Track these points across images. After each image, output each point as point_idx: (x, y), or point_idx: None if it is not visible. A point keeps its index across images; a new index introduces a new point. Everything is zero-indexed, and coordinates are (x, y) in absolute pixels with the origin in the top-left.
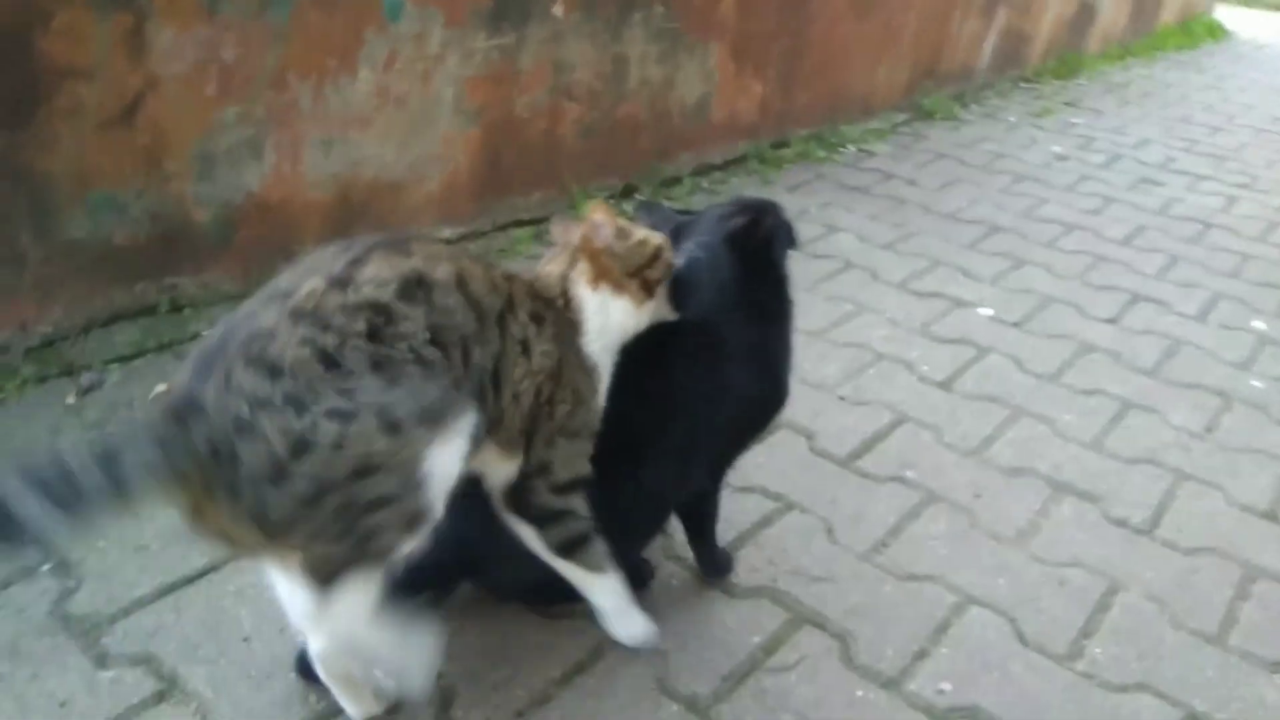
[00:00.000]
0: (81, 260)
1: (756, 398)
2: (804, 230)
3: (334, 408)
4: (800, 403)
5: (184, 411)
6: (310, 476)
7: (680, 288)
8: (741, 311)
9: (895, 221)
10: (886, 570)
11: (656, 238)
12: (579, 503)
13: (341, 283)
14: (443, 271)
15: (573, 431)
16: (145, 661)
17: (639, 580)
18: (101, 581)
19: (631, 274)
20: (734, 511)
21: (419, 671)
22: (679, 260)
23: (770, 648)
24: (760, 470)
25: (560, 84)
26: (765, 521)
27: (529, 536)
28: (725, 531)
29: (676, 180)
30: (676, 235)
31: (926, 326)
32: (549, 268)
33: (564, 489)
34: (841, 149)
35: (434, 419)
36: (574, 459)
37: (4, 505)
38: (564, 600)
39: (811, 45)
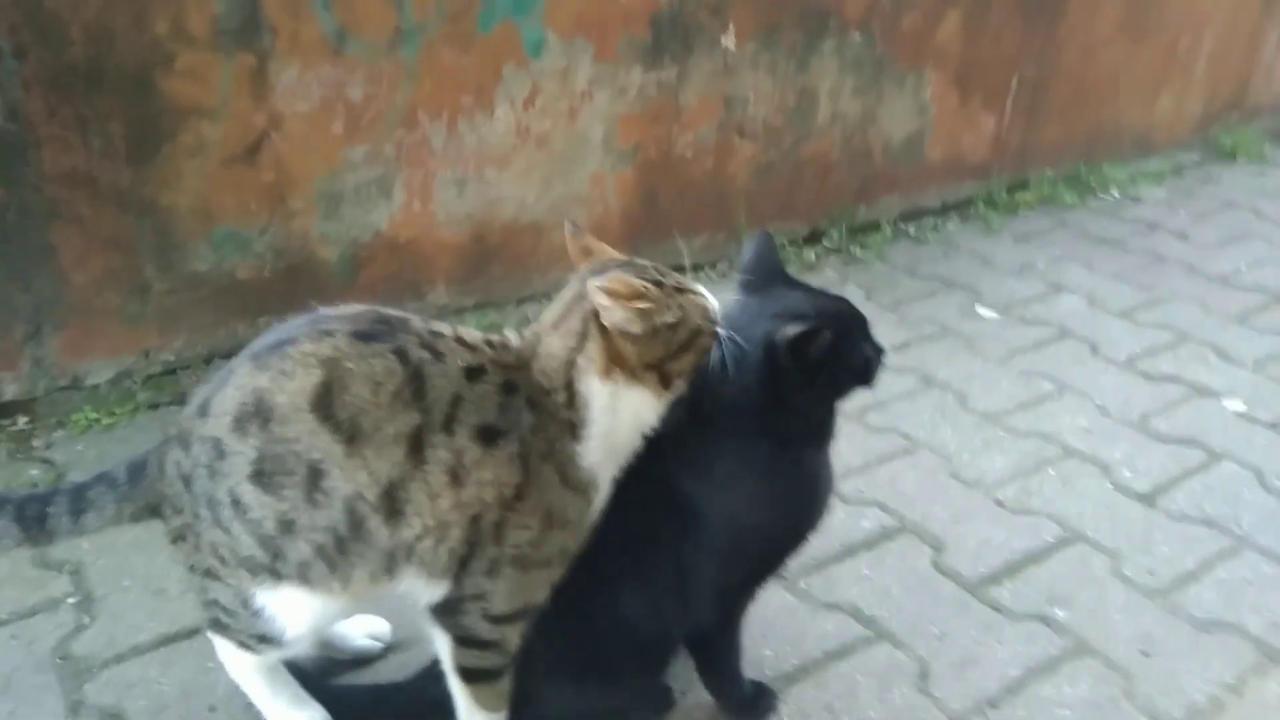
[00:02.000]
0: (204, 292)
1: (765, 530)
2: (1022, 289)
3: (189, 523)
4: (938, 503)
5: (163, 449)
6: (182, 554)
7: (702, 373)
8: (761, 435)
9: (1144, 283)
10: None
11: (696, 315)
12: (513, 635)
13: (203, 410)
14: (294, 388)
15: (535, 561)
16: (110, 717)
17: (650, 707)
18: (111, 622)
19: (653, 365)
20: (805, 630)
21: None
22: (723, 341)
23: None
24: (858, 582)
25: (731, 120)
26: (842, 652)
27: (439, 644)
28: (786, 656)
29: (874, 226)
30: (753, 289)
31: (1146, 419)
32: (551, 341)
33: (501, 620)
34: (1100, 194)
35: (249, 569)
36: (526, 589)
37: None
38: None
39: (1064, 72)
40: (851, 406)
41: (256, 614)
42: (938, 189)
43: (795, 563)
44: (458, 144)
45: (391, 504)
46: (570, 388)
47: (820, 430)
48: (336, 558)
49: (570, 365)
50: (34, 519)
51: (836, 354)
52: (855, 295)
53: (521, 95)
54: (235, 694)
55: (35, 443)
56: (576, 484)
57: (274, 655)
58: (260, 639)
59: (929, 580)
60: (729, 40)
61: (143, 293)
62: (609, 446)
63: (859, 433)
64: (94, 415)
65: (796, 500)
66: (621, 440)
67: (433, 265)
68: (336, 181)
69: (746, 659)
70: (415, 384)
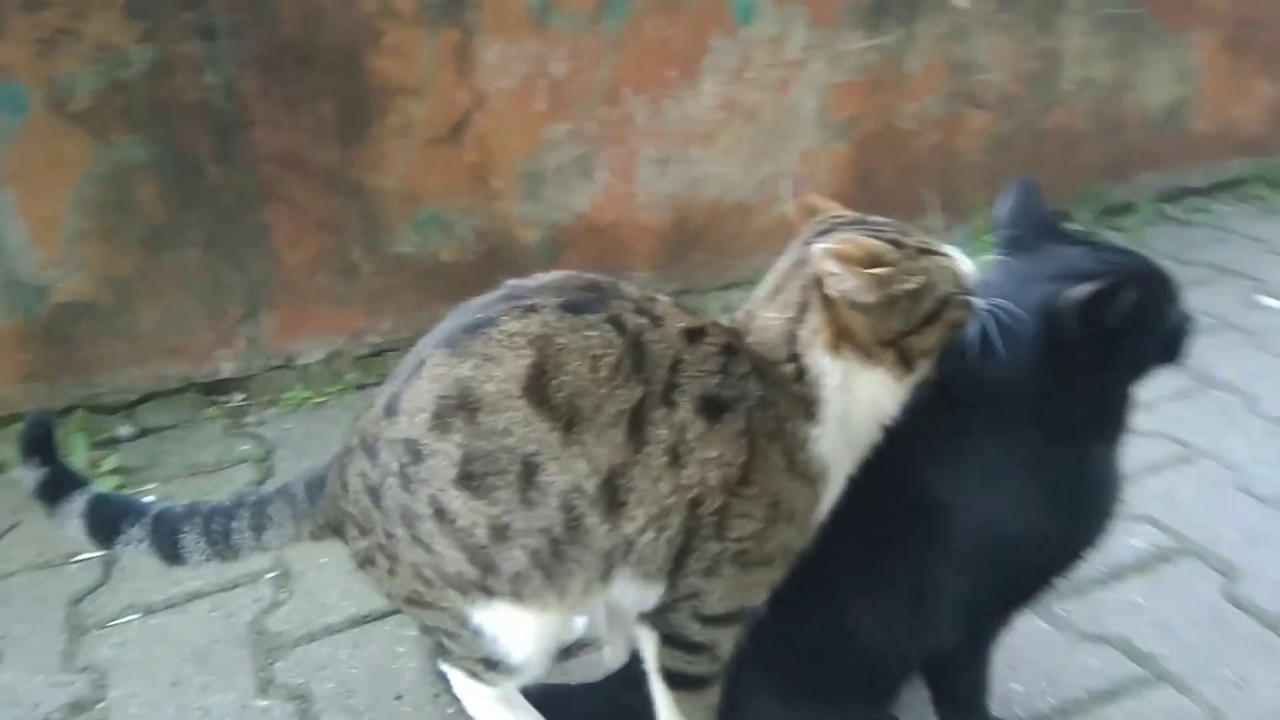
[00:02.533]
0: (409, 275)
1: (1032, 543)
2: None
3: (381, 543)
4: (1226, 522)
5: (343, 460)
6: (373, 581)
7: (955, 351)
8: (1034, 427)
9: None
10: None
11: (944, 282)
12: (725, 640)
13: (390, 409)
14: (501, 376)
15: (757, 559)
16: (299, 698)
17: None
18: (306, 600)
19: (889, 341)
20: (1063, 664)
21: None
22: (978, 317)
23: None
24: (1129, 612)
25: (961, 88)
26: (1112, 693)
27: (643, 641)
28: (1040, 693)
29: (1128, 207)
30: (1018, 248)
31: None
32: (768, 316)
33: (713, 621)
34: None
35: (458, 588)
36: (744, 589)
37: (175, 536)
38: None
39: None
40: None
41: (478, 634)
42: (1204, 166)
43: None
44: (661, 120)
45: (611, 495)
46: (797, 359)
47: (1111, 421)
48: (552, 565)
49: (791, 338)
50: (220, 534)
51: (1141, 320)
52: None
53: (729, 66)
54: (422, 683)
55: (248, 419)
56: (805, 472)
57: (505, 683)
58: (487, 664)
59: (1219, 614)
60: None
61: (351, 274)
62: (844, 433)
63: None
64: (305, 394)
65: (1075, 508)
66: (857, 428)
67: (633, 249)
68: (538, 161)
69: (993, 694)
70: (635, 354)
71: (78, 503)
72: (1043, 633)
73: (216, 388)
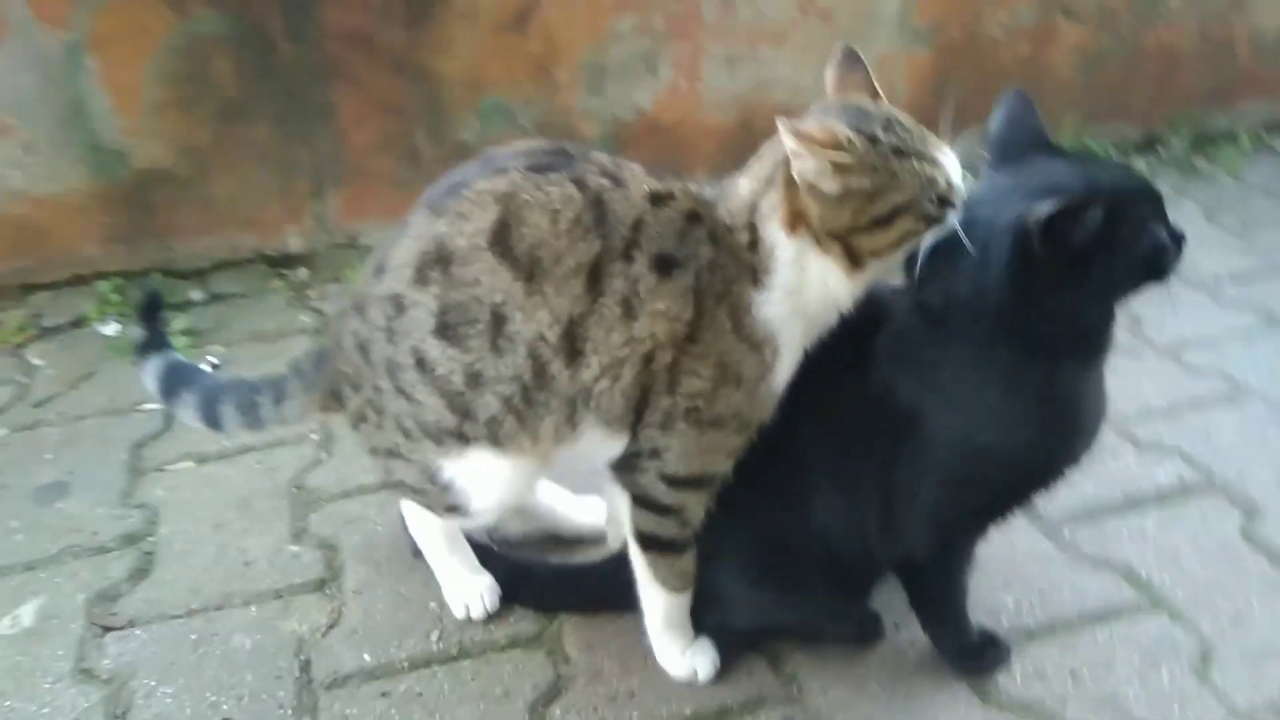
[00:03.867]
0: None
1: (1003, 456)
2: None
3: (370, 398)
4: (1261, 463)
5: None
6: (364, 437)
7: (925, 260)
8: (1002, 341)
9: None
10: None
11: (909, 188)
12: (692, 504)
13: (379, 268)
14: (471, 230)
15: (708, 419)
16: (327, 547)
17: (849, 632)
18: (345, 461)
19: (837, 234)
20: (1059, 584)
21: (469, 593)
22: (944, 229)
23: None
24: (1138, 540)
25: None
26: (1103, 615)
27: (619, 503)
28: (1030, 608)
29: (1230, 136)
30: (1005, 162)
31: None
32: (741, 183)
33: (679, 483)
34: None
35: (434, 438)
36: (702, 452)
37: (217, 405)
38: None
39: None
40: (1166, 339)
41: (445, 487)
42: None
43: (1061, 507)
44: (731, 16)
45: (571, 344)
46: (752, 229)
47: (1088, 339)
48: (524, 409)
49: (753, 207)
50: (249, 406)
51: (1113, 238)
52: (1191, 213)
53: None
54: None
55: (310, 293)
56: (751, 336)
57: (461, 524)
58: (448, 509)
59: (1232, 550)
60: None
61: (413, 158)
62: (793, 307)
63: (1170, 370)
64: None
65: (1047, 423)
66: (809, 307)
67: (695, 150)
68: (602, 54)
69: (981, 604)
70: (595, 210)
71: (157, 361)
72: (1044, 552)
73: (283, 261)
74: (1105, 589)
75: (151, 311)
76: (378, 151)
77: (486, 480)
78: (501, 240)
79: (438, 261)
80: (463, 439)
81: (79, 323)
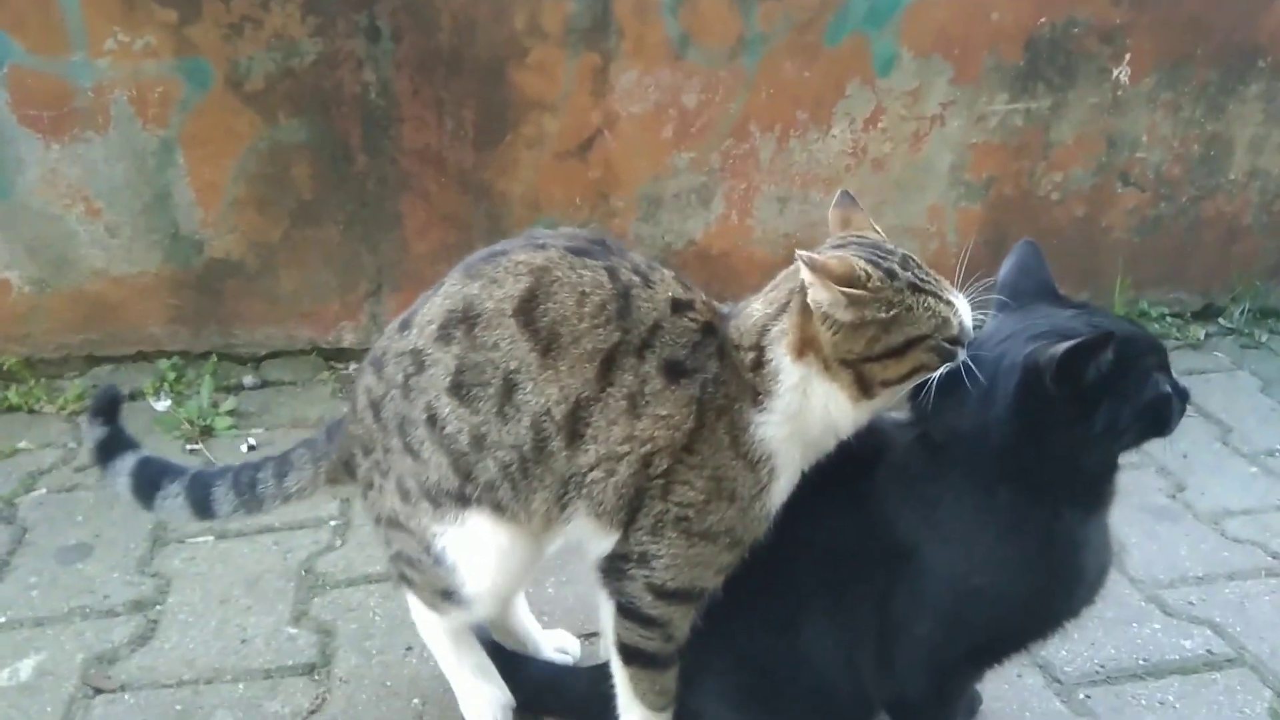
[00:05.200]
0: None
1: (1001, 600)
2: None
3: (378, 460)
4: None
5: (354, 382)
6: (368, 506)
7: (932, 392)
8: (1004, 481)
9: None
10: None
11: (923, 322)
12: (677, 619)
13: (405, 324)
14: (502, 295)
15: (698, 531)
16: (324, 633)
17: None
18: (357, 550)
19: (849, 362)
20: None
21: (481, 706)
22: (956, 361)
23: None
24: (1156, 710)
25: (1114, 163)
26: None
27: (604, 612)
28: None
29: None
30: (1013, 309)
31: None
32: (754, 306)
33: (666, 595)
34: None
35: (432, 499)
36: (690, 565)
37: (208, 491)
38: None
39: None
40: (1208, 507)
41: (439, 561)
42: None
43: (1079, 669)
44: (786, 160)
45: (574, 425)
46: (759, 350)
47: (1090, 487)
48: (519, 480)
49: (763, 330)
50: (247, 484)
51: (1119, 383)
52: (1248, 385)
53: (863, 114)
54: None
55: None
56: (748, 454)
57: (460, 617)
58: (444, 594)
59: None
60: (1123, 72)
61: None
62: (793, 431)
63: (1210, 538)
64: None
65: (1047, 569)
66: (809, 432)
67: (742, 280)
68: (659, 186)
69: None
70: (621, 302)
71: (128, 461)
72: (1056, 712)
73: (336, 354)
74: None
75: (110, 411)
76: (437, 259)
77: (480, 555)
78: (528, 310)
79: (463, 321)
80: (462, 500)
81: (134, 396)
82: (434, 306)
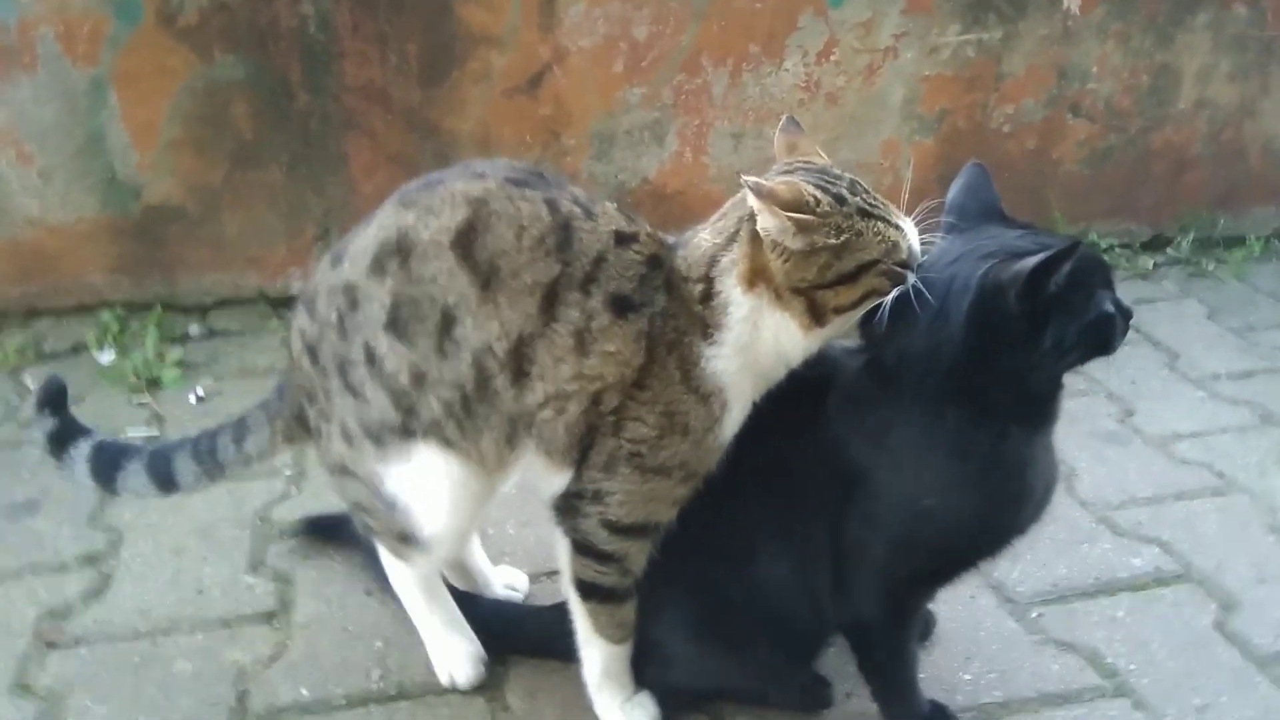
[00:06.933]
0: None
1: (950, 518)
2: None
3: (321, 405)
4: (1243, 557)
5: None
6: (320, 455)
7: (885, 316)
8: (955, 402)
9: None
10: None
11: (873, 247)
12: (633, 553)
13: (336, 258)
14: (439, 226)
15: (652, 466)
16: (282, 580)
17: (794, 698)
18: (312, 498)
19: (801, 289)
20: (1021, 663)
21: (453, 659)
22: (907, 285)
23: None
24: (1107, 625)
25: (1064, 95)
26: (1064, 697)
27: (560, 549)
28: (988, 686)
29: (1238, 240)
30: (960, 231)
31: None
32: (702, 236)
33: (621, 530)
34: None
35: (375, 437)
36: (645, 500)
37: (169, 463)
38: None
39: None
40: (1157, 430)
41: (391, 505)
42: None
43: (1030, 588)
44: (739, 94)
45: (518, 363)
46: (708, 282)
47: (1036, 405)
48: (464, 419)
49: (712, 261)
50: (206, 452)
51: (1069, 299)
52: (1195, 312)
53: (815, 47)
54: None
55: None
56: (699, 388)
57: (425, 562)
58: (403, 538)
59: (1205, 642)
60: (1072, 2)
61: None
62: (744, 363)
63: (1158, 460)
64: None
65: (995, 488)
66: (760, 363)
67: (697, 218)
68: (611, 122)
69: (938, 680)
70: (561, 234)
71: (83, 448)
72: (1009, 631)
73: (284, 302)
74: (1068, 671)
75: (57, 400)
76: (385, 200)
77: (432, 492)
78: (465, 242)
79: (397, 252)
80: (406, 434)
81: (77, 349)
82: (367, 238)
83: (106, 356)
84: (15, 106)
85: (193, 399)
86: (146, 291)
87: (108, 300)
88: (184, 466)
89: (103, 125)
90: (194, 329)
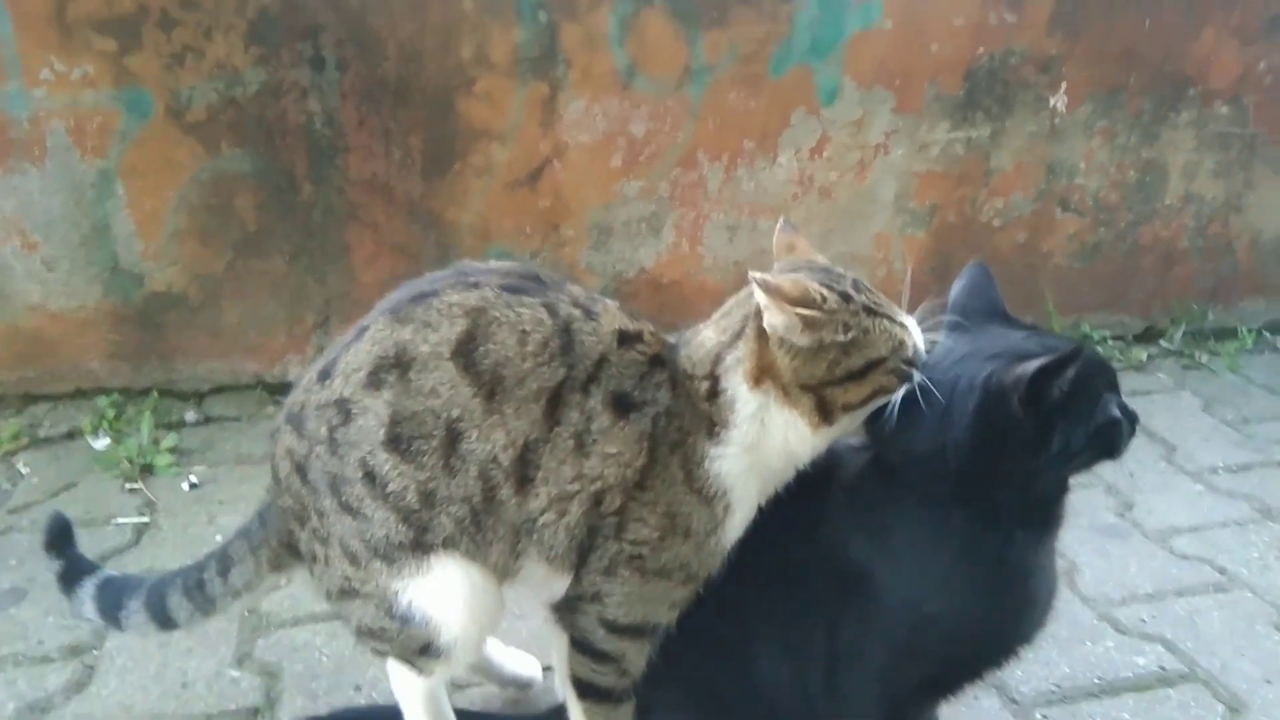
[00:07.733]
0: None
1: (954, 626)
2: None
3: (315, 528)
4: (1248, 656)
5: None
6: (318, 582)
7: (894, 414)
8: (959, 504)
9: None
10: None
11: (881, 345)
12: (632, 654)
13: (324, 374)
14: (438, 339)
15: (653, 568)
16: (269, 675)
17: None
18: (302, 588)
19: (810, 387)
20: None
21: None
22: (913, 383)
23: None
24: None
25: (1053, 189)
26: None
27: (558, 646)
28: None
29: (1230, 333)
30: (963, 330)
31: None
32: (706, 334)
33: (619, 630)
34: None
35: (385, 556)
36: (644, 601)
37: (164, 602)
38: None
39: None
40: (1156, 525)
41: (406, 620)
42: None
43: (1035, 689)
44: (734, 188)
45: (522, 470)
46: (714, 379)
47: (1042, 510)
48: (475, 534)
49: (717, 358)
50: (195, 588)
51: (1075, 404)
52: (1191, 404)
53: (808, 144)
54: (382, 679)
55: None
56: (703, 490)
57: (443, 670)
58: (421, 651)
59: None
60: (1059, 101)
61: None
62: (750, 463)
63: (1158, 556)
64: None
65: (1000, 595)
66: (767, 462)
67: (693, 308)
68: (609, 214)
69: None
70: (563, 338)
71: (89, 587)
72: None
73: (282, 388)
74: None
75: (62, 540)
76: (385, 289)
77: (453, 599)
78: (466, 353)
79: (395, 367)
80: (422, 549)
81: (73, 435)
82: (358, 353)
83: (101, 442)
84: (23, 196)
85: (185, 486)
86: (144, 378)
87: (105, 386)
88: (177, 605)
89: (108, 215)
90: (190, 415)
